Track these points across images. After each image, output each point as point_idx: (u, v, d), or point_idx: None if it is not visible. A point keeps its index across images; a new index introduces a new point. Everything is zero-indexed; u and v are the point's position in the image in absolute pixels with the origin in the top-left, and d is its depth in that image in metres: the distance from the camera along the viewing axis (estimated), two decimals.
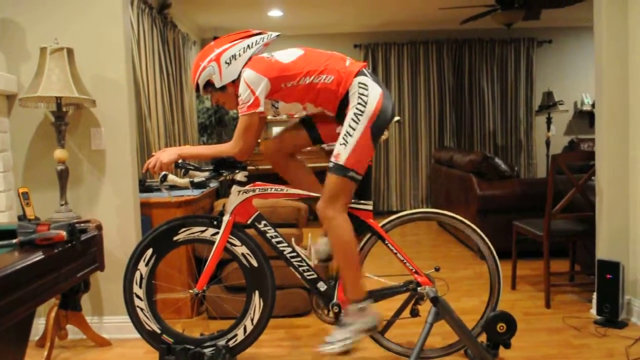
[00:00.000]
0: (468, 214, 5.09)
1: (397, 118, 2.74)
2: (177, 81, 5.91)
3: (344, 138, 2.51)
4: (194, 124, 7.01)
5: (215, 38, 2.75)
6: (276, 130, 7.41)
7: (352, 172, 2.51)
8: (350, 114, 2.52)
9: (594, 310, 3.51)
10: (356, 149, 2.50)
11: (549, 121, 7.94)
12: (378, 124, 2.53)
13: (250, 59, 2.59)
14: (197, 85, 2.64)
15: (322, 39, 7.72)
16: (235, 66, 2.57)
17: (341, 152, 2.50)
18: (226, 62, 2.57)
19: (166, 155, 2.59)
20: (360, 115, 2.50)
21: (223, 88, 2.62)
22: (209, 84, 2.62)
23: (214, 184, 4.19)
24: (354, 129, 2.49)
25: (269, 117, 2.84)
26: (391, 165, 8.11)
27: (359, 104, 2.51)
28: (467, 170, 5.28)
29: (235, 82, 2.57)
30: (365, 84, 2.55)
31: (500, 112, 8.23)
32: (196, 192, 3.78)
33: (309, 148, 3.10)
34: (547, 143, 7.97)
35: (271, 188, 2.69)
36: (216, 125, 7.36)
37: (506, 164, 5.31)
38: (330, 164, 2.53)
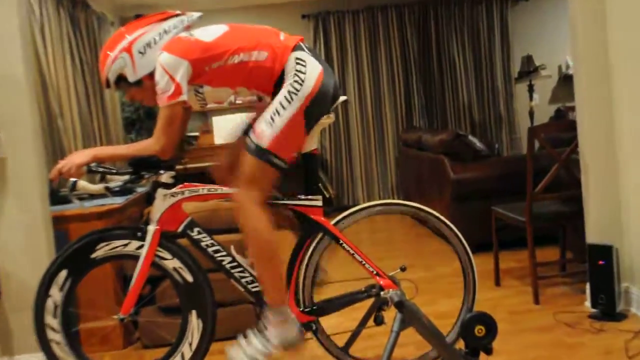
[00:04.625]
0: (442, 201, 5.14)
1: (343, 98, 2.73)
2: (94, 70, 5.81)
3: (271, 116, 2.50)
4: (118, 120, 6.91)
5: (137, 17, 2.70)
6: (217, 119, 7.35)
7: (275, 157, 2.50)
8: (283, 91, 2.52)
9: (588, 303, 3.57)
10: (283, 132, 2.49)
11: (530, 89, 8.05)
12: (314, 107, 2.54)
13: None
14: (107, 80, 2.59)
15: (262, 11, 7.66)
16: (151, 56, 2.53)
17: (265, 131, 2.50)
18: (140, 52, 2.53)
19: (77, 157, 2.55)
20: (295, 94, 2.50)
21: (138, 82, 2.58)
22: (121, 78, 2.59)
23: (142, 189, 4.17)
24: (284, 109, 2.49)
25: (197, 107, 2.80)
26: (354, 152, 8.15)
27: (295, 81, 2.52)
28: (437, 151, 5.33)
29: (153, 74, 2.53)
30: (303, 60, 2.55)
31: (474, 82, 8.34)
32: (120, 200, 3.73)
33: None
34: (531, 114, 8.08)
35: (203, 189, 2.66)
36: (146, 119, 7.25)
37: (483, 141, 5.37)
38: (250, 144, 2.51)
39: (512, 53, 8.34)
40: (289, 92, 2.51)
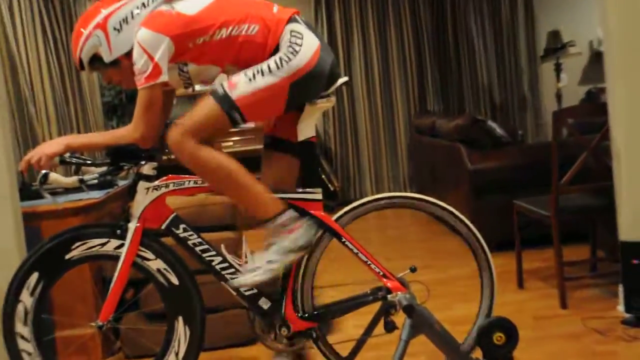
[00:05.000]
0: (458, 195, 5.13)
1: (343, 79, 2.71)
2: (70, 50, 5.79)
3: (254, 73, 2.50)
4: (98, 104, 6.88)
5: None
6: None
7: (237, 112, 2.50)
8: (276, 56, 2.52)
9: (621, 307, 3.55)
10: (258, 95, 2.49)
11: (558, 69, 8.03)
12: (304, 85, 2.53)
13: None
14: (81, 60, 2.58)
15: None
16: (128, 32, 2.53)
17: (240, 83, 2.50)
18: (115, 28, 2.52)
19: (48, 147, 2.55)
20: (286, 62, 2.50)
21: (115, 63, 2.57)
22: (96, 59, 2.58)
23: (124, 181, 4.16)
24: (270, 72, 2.49)
25: (182, 88, 2.80)
26: (361, 140, 8.15)
27: (289, 51, 2.51)
28: (453, 138, 5.32)
29: (131, 53, 2.52)
30: (299, 33, 2.55)
31: (495, 62, 8.32)
32: (99, 194, 3.73)
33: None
34: (559, 97, 8.07)
35: (189, 181, 2.66)
36: (128, 103, 7.24)
37: (505, 127, 5.35)
38: (219, 89, 2.52)
39: (537, 28, 8.31)
40: (280, 58, 2.51)
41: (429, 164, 6.21)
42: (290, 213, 2.60)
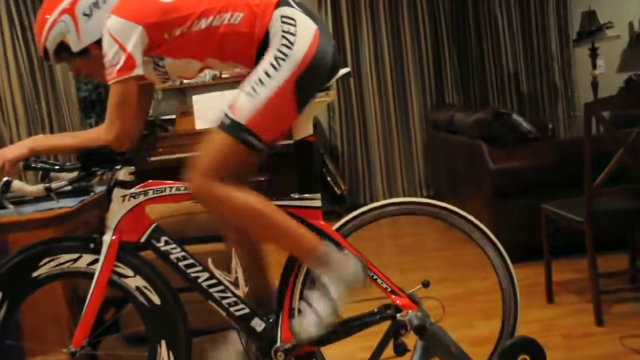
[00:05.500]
0: (479, 198, 5.14)
1: (344, 70, 2.71)
2: None
3: (253, 87, 2.48)
4: (74, 100, 6.90)
5: None
6: (198, 98, 7.31)
7: (252, 136, 2.47)
8: (268, 56, 2.51)
9: None
10: (268, 107, 2.47)
11: (593, 54, 8.01)
12: (309, 77, 2.52)
13: None
14: (46, 50, 2.60)
15: None
16: (99, 18, 2.53)
17: (243, 103, 2.48)
18: (85, 14, 2.54)
19: (10, 151, 2.56)
20: (283, 59, 2.49)
21: (84, 52, 2.59)
22: (63, 48, 2.59)
23: (102, 187, 4.17)
24: (269, 77, 2.48)
25: (159, 83, 2.81)
26: (371, 137, 8.14)
27: (283, 44, 2.50)
28: (473, 134, 5.33)
29: (101, 42, 2.53)
30: (291, 18, 2.54)
31: (522, 47, 8.28)
32: (72, 202, 3.74)
33: None
34: (594, 85, 8.04)
35: (171, 187, 2.66)
36: (107, 99, 7.25)
37: (533, 121, 5.34)
38: (225, 119, 2.49)
39: (570, 8, 8.29)
40: (275, 57, 2.50)
41: (447, 164, 6.21)
42: (328, 245, 2.62)
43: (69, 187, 2.67)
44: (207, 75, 7.41)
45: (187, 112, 7.65)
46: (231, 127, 2.48)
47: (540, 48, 8.29)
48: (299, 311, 2.68)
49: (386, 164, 8.15)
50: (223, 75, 7.50)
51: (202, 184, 2.50)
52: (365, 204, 2.85)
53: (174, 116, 7.48)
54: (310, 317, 2.57)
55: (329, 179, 7.56)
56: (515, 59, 8.28)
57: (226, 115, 2.49)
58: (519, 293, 2.84)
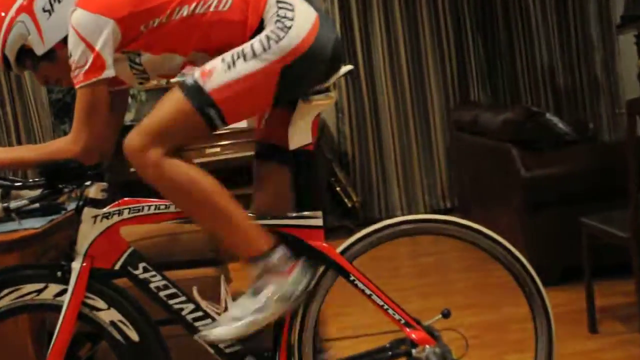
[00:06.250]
0: (509, 210, 5.13)
1: (346, 68, 2.70)
2: None
3: (233, 58, 2.47)
4: (44, 104, 6.90)
5: None
6: None
7: (214, 110, 2.45)
8: (260, 35, 2.49)
9: None
10: (240, 84, 2.45)
11: None
12: (300, 69, 2.50)
13: None
14: (5, 57, 2.58)
15: None
16: (62, 13, 2.53)
17: (216, 73, 2.46)
18: (45, 10, 2.52)
19: None
20: (275, 41, 2.46)
21: (49, 55, 2.58)
22: (24, 52, 2.57)
23: (73, 205, 4.16)
24: (255, 56, 2.46)
25: (136, 85, 2.79)
26: (386, 142, 8.14)
27: (277, 27, 2.49)
28: (502, 138, 5.31)
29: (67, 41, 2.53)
30: (288, 3, 2.54)
31: (557, 36, 8.28)
32: (39, 223, 3.73)
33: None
34: None
35: (149, 206, 2.64)
36: None
37: (571, 121, 5.32)
38: (189, 79, 2.48)
39: None
40: (267, 36, 2.48)
41: (472, 171, 6.19)
42: (282, 251, 2.58)
43: (30, 207, 2.65)
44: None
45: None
46: (193, 92, 2.46)
47: (578, 36, 8.29)
48: (299, 349, 2.65)
49: (403, 172, 8.13)
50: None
51: (141, 147, 2.46)
52: (381, 218, 2.85)
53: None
54: (227, 315, 2.58)
55: (338, 189, 7.55)
56: (549, 50, 8.29)
57: (193, 76, 2.48)
58: (554, 323, 2.79)
